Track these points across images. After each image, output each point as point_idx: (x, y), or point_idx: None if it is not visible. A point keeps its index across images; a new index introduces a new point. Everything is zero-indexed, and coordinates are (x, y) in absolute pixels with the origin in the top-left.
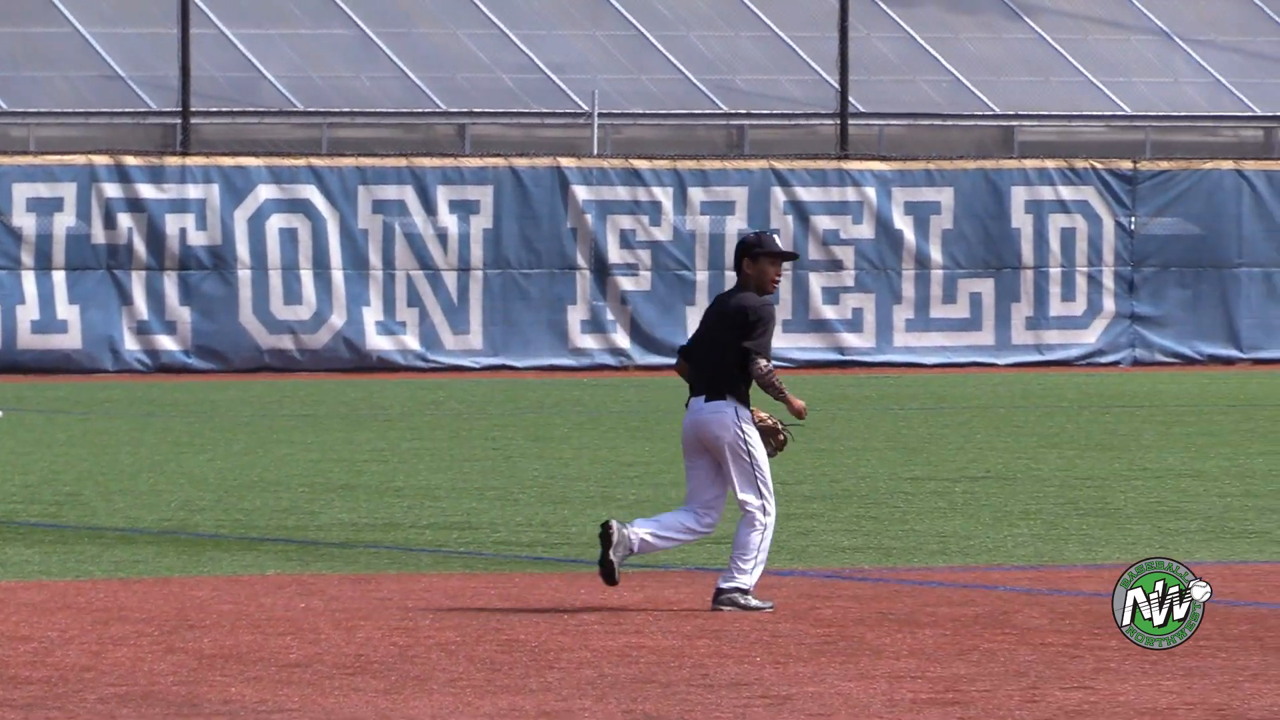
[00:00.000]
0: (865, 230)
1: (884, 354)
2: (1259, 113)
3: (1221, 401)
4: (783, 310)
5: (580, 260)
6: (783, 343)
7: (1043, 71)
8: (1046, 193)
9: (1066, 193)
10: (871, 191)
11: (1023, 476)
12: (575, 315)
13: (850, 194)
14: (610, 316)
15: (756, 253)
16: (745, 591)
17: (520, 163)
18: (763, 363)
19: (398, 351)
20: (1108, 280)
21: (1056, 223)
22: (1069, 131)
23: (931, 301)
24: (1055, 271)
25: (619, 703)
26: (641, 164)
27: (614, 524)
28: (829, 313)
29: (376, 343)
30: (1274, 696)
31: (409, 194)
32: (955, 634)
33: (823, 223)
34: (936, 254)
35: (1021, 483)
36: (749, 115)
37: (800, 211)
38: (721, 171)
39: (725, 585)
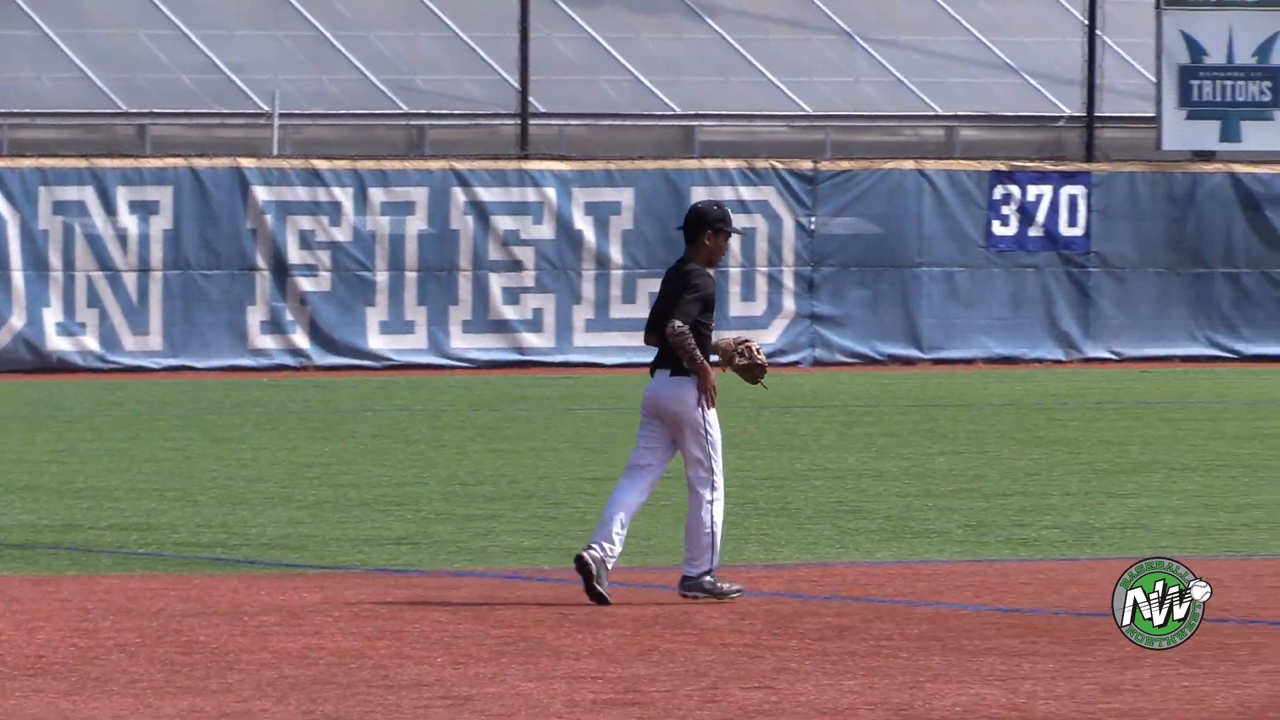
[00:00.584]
0: (546, 231)
1: (564, 354)
2: (940, 112)
3: (902, 401)
4: (462, 311)
5: (260, 261)
6: (462, 343)
7: (723, 71)
8: (726, 192)
9: (746, 192)
10: (552, 192)
11: None
12: (255, 316)
13: (530, 194)
14: (290, 317)
15: (720, 227)
16: (710, 573)
17: (200, 163)
18: (677, 324)
19: (78, 352)
20: (788, 280)
21: (736, 223)
22: (749, 131)
23: (611, 302)
24: (735, 271)
25: (299, 704)
26: (321, 164)
27: (586, 556)
28: (509, 313)
29: (56, 344)
30: (955, 696)
31: (89, 195)
32: (635, 634)
33: (503, 223)
34: (616, 254)
35: None
36: (429, 115)
37: (480, 212)
38: (402, 172)
39: (692, 573)
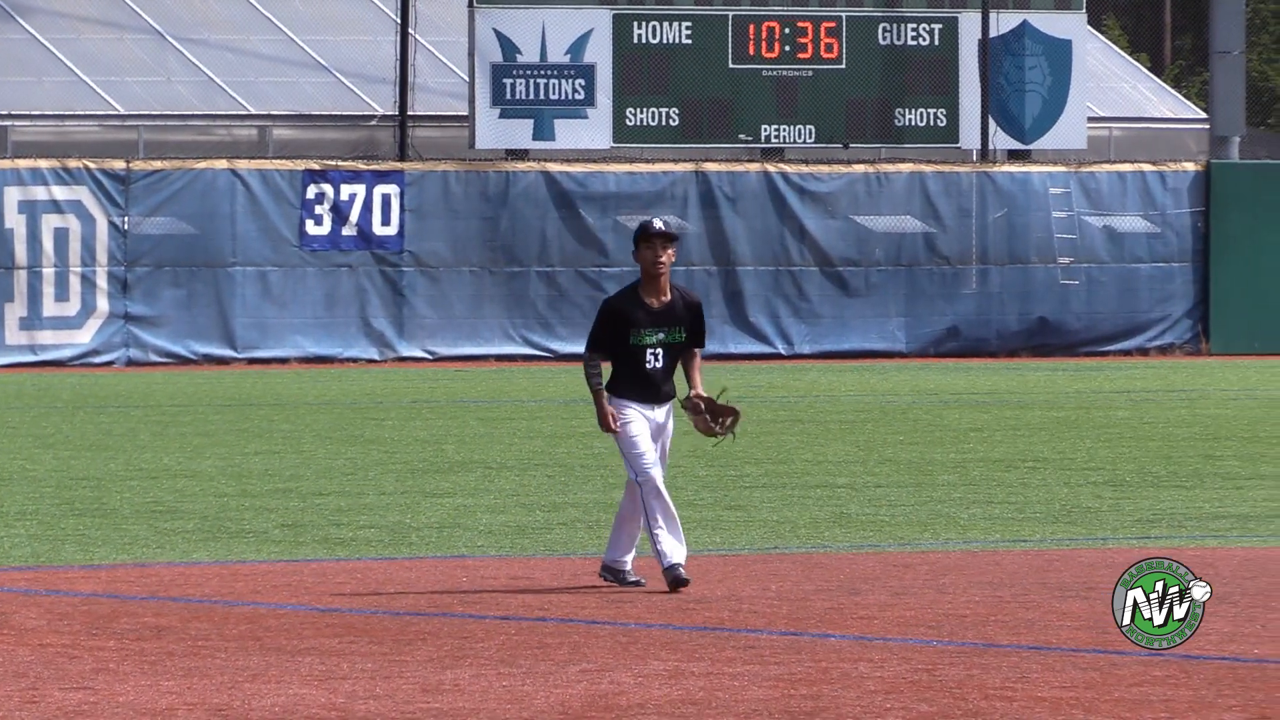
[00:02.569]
0: None
1: None
2: (252, 111)
3: (217, 401)
4: None
5: None
6: None
7: (35, 71)
8: (40, 192)
9: (60, 192)
10: None
11: (19, 477)
12: None
13: None
14: None
15: (636, 239)
16: (681, 565)
17: None
18: (585, 354)
19: None
20: (101, 280)
21: (50, 222)
22: (62, 131)
23: None
24: (49, 271)
25: None
26: None
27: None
28: None
29: None
30: (274, 696)
31: None
32: None
33: None
34: None
35: (17, 484)
36: None
37: None
38: None
39: (673, 561)
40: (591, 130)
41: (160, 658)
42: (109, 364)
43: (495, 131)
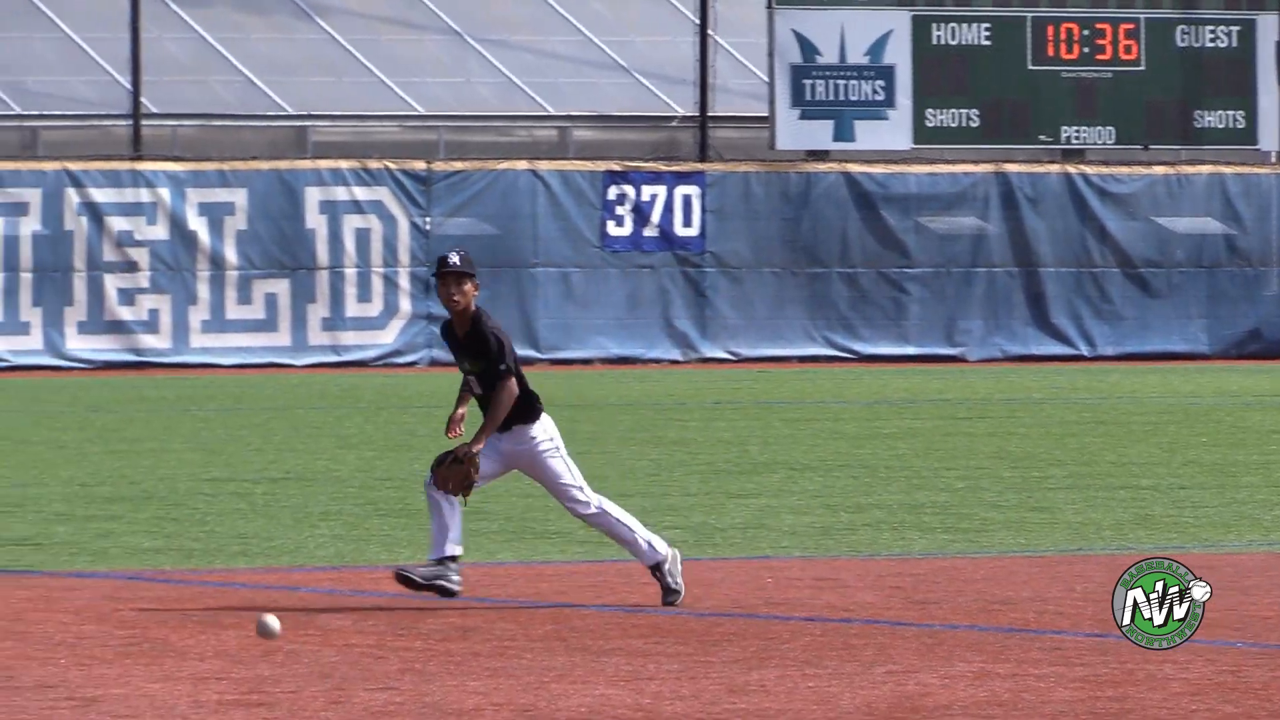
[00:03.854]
0: (160, 231)
1: (181, 355)
2: (553, 112)
3: None
4: (77, 311)
5: None
6: (79, 344)
7: (335, 72)
8: (340, 193)
9: (361, 193)
10: (165, 192)
11: (323, 477)
12: None
13: (144, 195)
14: None
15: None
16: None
17: None
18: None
19: None
20: (403, 281)
21: (351, 223)
22: (362, 131)
23: (227, 303)
24: (350, 272)
25: None
26: None
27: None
28: (125, 314)
29: None
30: (580, 697)
31: None
32: (258, 636)
33: (117, 224)
34: (231, 255)
35: (321, 483)
36: (41, 116)
37: (94, 213)
38: (15, 173)
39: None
40: (892, 131)
41: (466, 658)
42: (412, 364)
43: (796, 132)
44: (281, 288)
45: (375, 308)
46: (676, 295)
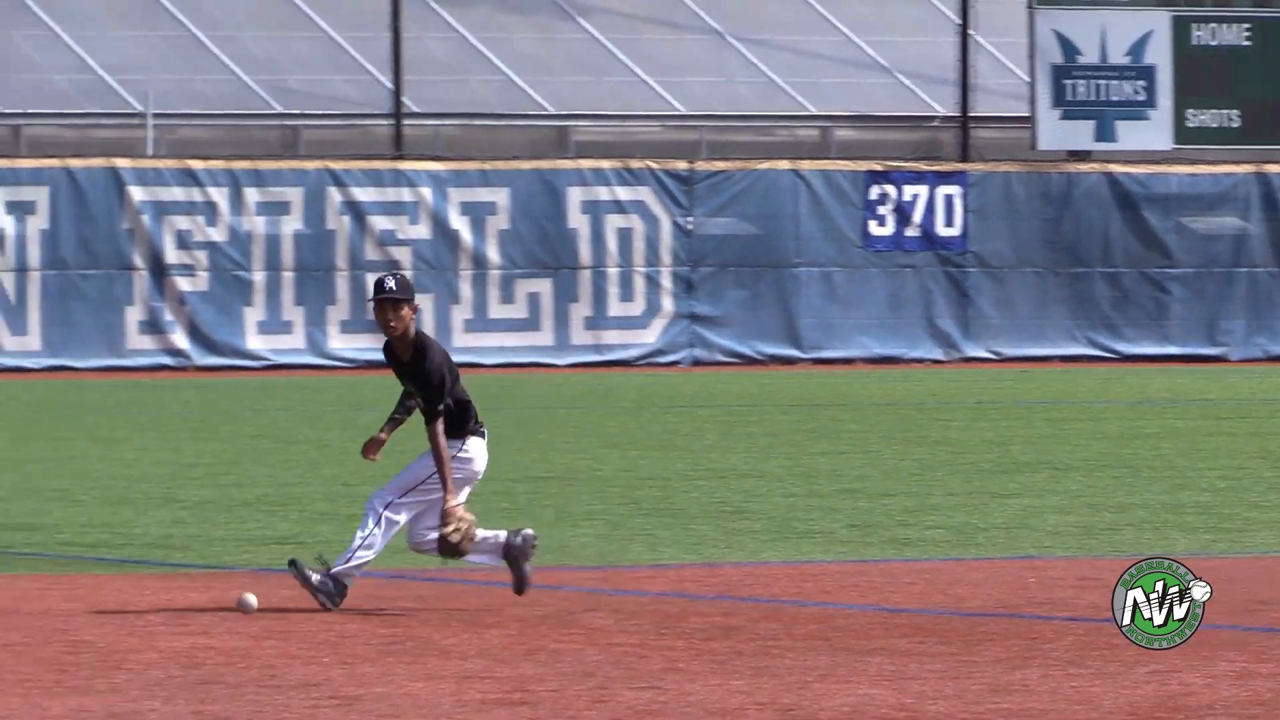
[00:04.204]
0: (422, 230)
1: None
2: (814, 112)
3: (783, 401)
4: (340, 310)
5: (137, 261)
6: (340, 343)
7: (596, 71)
8: (602, 192)
9: (622, 192)
10: (427, 191)
11: (585, 476)
12: (133, 316)
13: (406, 194)
14: (169, 317)
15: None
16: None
17: (75, 163)
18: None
19: None
20: (665, 280)
21: (613, 223)
22: (624, 131)
23: (490, 302)
24: (613, 272)
25: (188, 704)
26: (197, 164)
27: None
28: None
29: None
30: (844, 696)
31: None
32: (522, 634)
33: (379, 223)
34: (494, 254)
35: (584, 483)
36: (303, 115)
37: (356, 212)
38: (277, 172)
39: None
40: (1152, 131)
41: (729, 657)
42: (674, 364)
43: (1057, 132)
44: (544, 287)
45: (638, 307)
46: (939, 295)
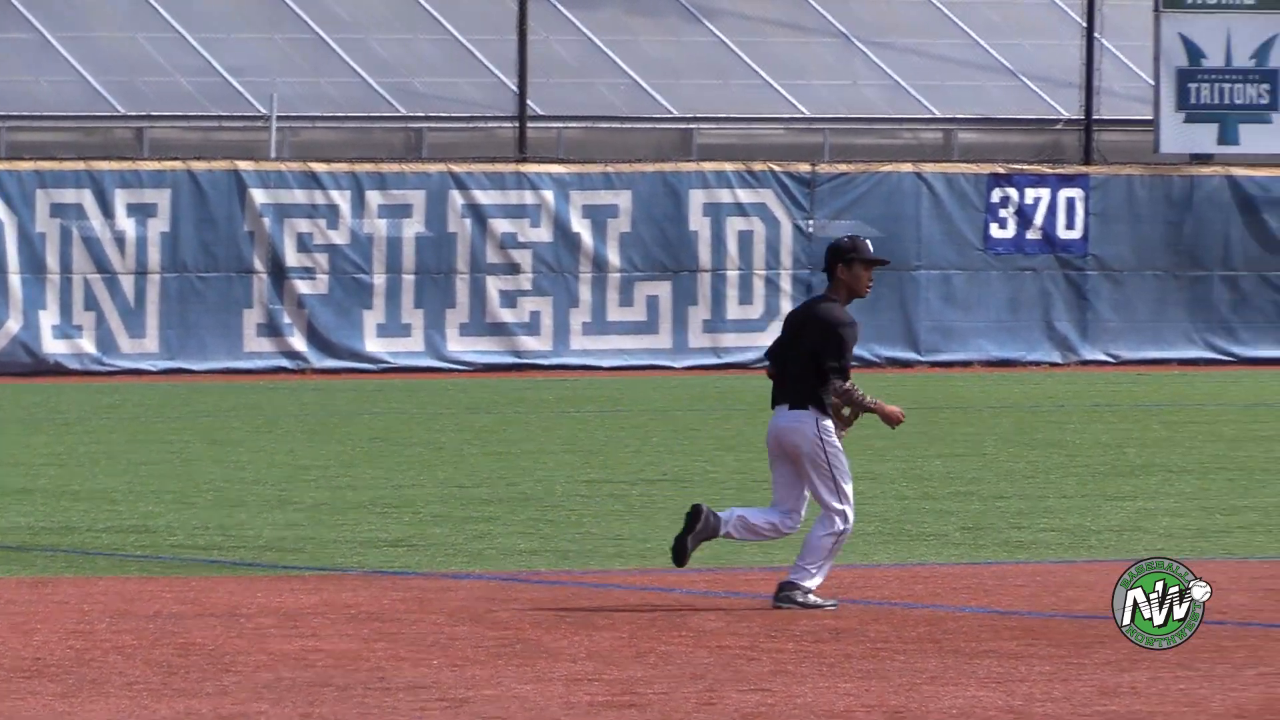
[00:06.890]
0: (543, 233)
1: (561, 357)
2: (938, 114)
3: (898, 404)
4: (459, 314)
5: (257, 264)
6: (459, 346)
7: (721, 74)
8: (724, 195)
9: (744, 195)
10: (549, 194)
11: (699, 479)
12: (252, 319)
13: (528, 197)
14: (287, 320)
15: (850, 258)
16: (808, 591)
17: (198, 166)
18: (838, 384)
19: (74, 355)
20: (785, 283)
21: (734, 225)
22: (747, 134)
23: (608, 305)
24: (733, 274)
25: (296, 706)
26: (319, 167)
27: (703, 508)
28: (506, 316)
29: (53, 346)
30: (952, 699)
31: (87, 197)
32: (632, 637)
33: (500, 226)
34: (614, 257)
35: (698, 485)
36: (427, 118)
37: (478, 214)
38: (399, 175)
39: (792, 579)
40: (1275, 135)
41: (838, 660)
42: None
43: (1180, 136)
44: (663, 290)
45: (756, 310)
46: (1058, 297)
